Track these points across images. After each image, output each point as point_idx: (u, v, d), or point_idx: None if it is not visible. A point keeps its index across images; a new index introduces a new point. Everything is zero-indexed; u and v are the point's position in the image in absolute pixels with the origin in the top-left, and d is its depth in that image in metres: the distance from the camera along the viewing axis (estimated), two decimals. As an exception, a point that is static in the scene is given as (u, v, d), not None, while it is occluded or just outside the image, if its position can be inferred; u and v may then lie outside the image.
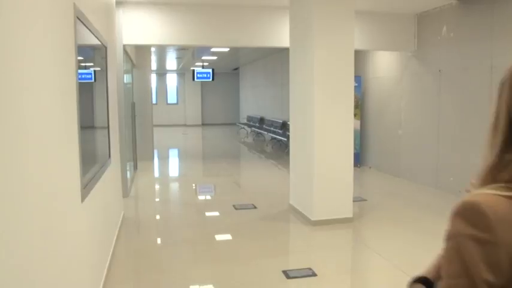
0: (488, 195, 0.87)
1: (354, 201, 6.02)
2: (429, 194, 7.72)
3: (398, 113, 9.06)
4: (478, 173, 0.97)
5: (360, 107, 10.15)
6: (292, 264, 4.51)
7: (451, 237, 0.90)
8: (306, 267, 4.41)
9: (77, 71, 2.90)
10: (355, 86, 7.74)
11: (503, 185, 0.87)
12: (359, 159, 10.16)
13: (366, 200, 7.12)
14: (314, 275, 4.25)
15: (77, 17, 2.93)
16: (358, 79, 9.87)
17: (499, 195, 0.86)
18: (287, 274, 4.25)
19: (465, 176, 7.27)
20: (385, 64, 9.75)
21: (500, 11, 6.51)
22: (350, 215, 5.90)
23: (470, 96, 7.14)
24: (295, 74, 6.45)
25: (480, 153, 0.96)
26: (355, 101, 7.13)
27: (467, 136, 7.20)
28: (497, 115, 0.92)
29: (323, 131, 5.77)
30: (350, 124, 5.94)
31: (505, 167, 0.90)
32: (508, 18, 6.40)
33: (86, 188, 3.11)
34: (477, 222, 0.84)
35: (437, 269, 1.07)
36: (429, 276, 1.12)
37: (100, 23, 4.33)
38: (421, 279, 1.13)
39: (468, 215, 0.86)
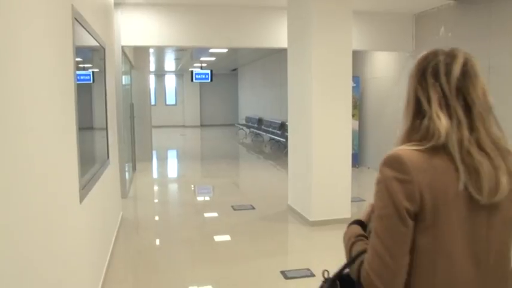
0: (406, 150, 1.23)
1: (352, 201, 6.03)
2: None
3: (397, 113, 9.06)
4: (397, 136, 1.32)
5: (358, 108, 10.16)
6: (291, 265, 4.52)
7: (381, 181, 1.24)
8: (304, 267, 4.41)
9: (75, 72, 2.91)
10: (353, 87, 7.75)
11: (415, 143, 1.25)
12: (357, 160, 10.17)
13: (364, 200, 7.12)
14: (312, 275, 4.26)
15: (75, 18, 2.93)
16: (357, 79, 9.88)
17: (413, 149, 1.23)
18: (285, 274, 4.25)
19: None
20: (383, 64, 9.77)
21: (498, 10, 6.53)
22: (348, 216, 5.90)
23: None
24: (293, 74, 6.46)
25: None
26: (353, 102, 7.15)
27: (465, 136, 7.21)
28: (409, 97, 1.34)
29: (321, 131, 5.78)
30: (348, 125, 5.95)
31: (416, 130, 1.27)
32: (505, 18, 6.42)
33: (85, 189, 3.11)
34: (399, 168, 1.20)
35: (369, 215, 1.44)
36: (363, 219, 1.51)
37: (98, 24, 4.34)
38: (356, 222, 1.53)
39: (393, 163, 1.22)
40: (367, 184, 8.97)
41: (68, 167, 2.68)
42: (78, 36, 3.04)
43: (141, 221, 6.57)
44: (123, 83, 7.94)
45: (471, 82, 1.29)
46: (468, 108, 1.25)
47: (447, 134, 1.21)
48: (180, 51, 14.29)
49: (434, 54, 1.36)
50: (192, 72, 16.62)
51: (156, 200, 8.10)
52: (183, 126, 24.53)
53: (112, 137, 5.31)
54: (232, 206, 6.86)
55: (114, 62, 6.50)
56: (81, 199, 2.97)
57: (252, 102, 20.84)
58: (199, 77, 16.55)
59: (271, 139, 14.52)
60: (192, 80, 16.75)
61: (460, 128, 1.23)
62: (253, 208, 6.75)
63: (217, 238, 5.52)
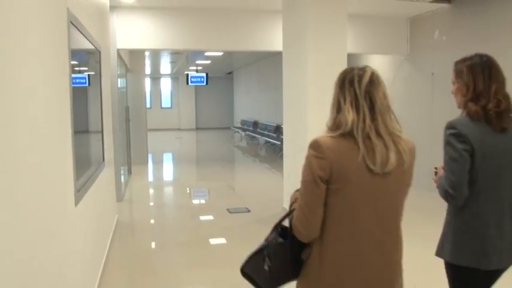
0: (323, 137, 1.74)
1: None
2: (423, 197, 7.74)
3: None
4: (326, 127, 1.82)
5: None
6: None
7: (306, 158, 1.73)
8: (300, 270, 4.42)
9: (70, 76, 2.91)
10: (348, 90, 7.78)
11: (331, 131, 1.76)
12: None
13: (359, 203, 7.15)
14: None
15: (71, 22, 2.94)
16: (352, 83, 9.91)
17: (328, 136, 1.74)
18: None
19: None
20: (378, 67, 9.70)
21: (492, 14, 6.58)
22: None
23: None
24: (288, 77, 6.48)
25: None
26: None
27: (460, 139, 7.25)
28: (333, 99, 1.82)
29: (316, 134, 5.78)
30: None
31: (333, 123, 1.78)
32: (499, 21, 6.47)
33: (80, 191, 3.11)
34: (317, 149, 1.70)
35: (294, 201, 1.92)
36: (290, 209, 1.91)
37: (94, 27, 4.34)
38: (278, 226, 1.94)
39: (314, 146, 1.72)
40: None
41: (64, 170, 2.68)
42: (73, 40, 3.05)
43: (136, 224, 6.56)
44: (119, 86, 7.94)
45: (375, 88, 1.77)
46: (372, 106, 1.73)
47: (352, 123, 1.70)
48: (175, 54, 14.30)
49: (351, 69, 1.83)
50: (187, 75, 16.63)
51: (151, 203, 8.08)
52: (179, 129, 24.52)
53: (107, 140, 5.31)
54: (227, 209, 6.86)
55: (110, 65, 6.50)
56: (77, 202, 2.97)
57: (247, 105, 20.85)
58: (195, 80, 16.58)
59: (267, 142, 14.55)
60: (187, 83, 16.77)
61: (364, 119, 1.70)
62: (249, 211, 6.75)
63: (213, 241, 5.52)
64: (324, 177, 1.69)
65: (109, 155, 5.52)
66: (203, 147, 17.75)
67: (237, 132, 19.11)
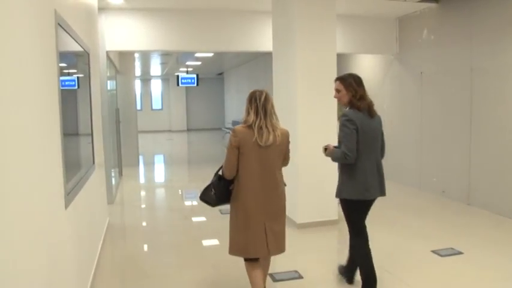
0: (238, 127, 3.31)
1: (338, 203, 6.05)
2: (413, 195, 7.80)
3: (381, 115, 9.12)
4: (242, 120, 3.35)
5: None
6: (279, 267, 4.52)
7: (230, 137, 3.30)
8: (292, 269, 4.43)
9: (59, 78, 2.90)
10: (338, 89, 7.79)
11: (243, 124, 3.30)
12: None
13: (351, 202, 7.17)
14: (300, 277, 4.28)
15: (58, 24, 2.92)
16: (342, 82, 9.93)
17: (241, 126, 3.31)
18: (273, 277, 4.26)
19: (448, 176, 7.38)
20: (367, 67, 9.85)
21: (479, 13, 6.63)
22: (335, 217, 5.94)
23: (451, 97, 7.25)
24: (278, 78, 6.49)
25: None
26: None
27: (449, 137, 7.31)
28: (246, 108, 3.33)
29: (307, 134, 5.81)
30: (334, 127, 5.99)
31: (246, 120, 3.31)
32: (486, 21, 6.53)
33: (70, 194, 3.09)
34: (234, 132, 3.27)
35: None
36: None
37: (82, 29, 4.32)
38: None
39: (234, 130, 3.27)
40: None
41: (53, 173, 2.66)
42: (61, 42, 3.03)
43: (128, 226, 6.53)
44: (108, 88, 7.90)
45: (267, 103, 3.31)
46: (265, 112, 3.28)
47: (253, 121, 3.25)
48: (165, 55, 14.26)
49: (254, 91, 3.38)
50: (178, 76, 16.59)
51: (143, 206, 8.06)
52: (170, 130, 24.45)
53: (97, 142, 5.28)
54: (220, 210, 6.83)
55: (99, 67, 6.47)
56: (67, 205, 2.95)
57: (238, 106, 20.83)
58: (185, 81, 16.53)
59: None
60: (178, 84, 16.72)
61: (259, 119, 3.25)
62: (241, 212, 6.74)
63: (206, 242, 5.51)
64: (236, 146, 3.28)
65: (99, 157, 5.49)
66: (194, 148, 17.72)
67: (228, 133, 19.06)
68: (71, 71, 3.81)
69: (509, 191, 6.16)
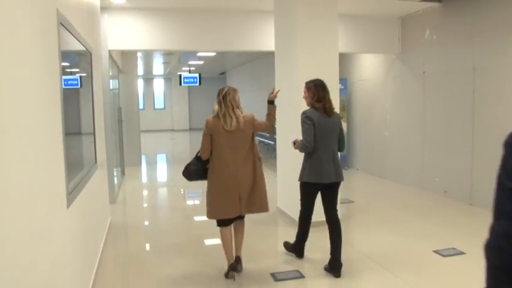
0: (210, 117, 4.12)
1: (341, 203, 6.04)
2: (415, 195, 7.79)
3: (384, 114, 9.15)
4: (213, 112, 4.18)
5: (346, 110, 10.22)
6: (280, 267, 4.52)
7: (204, 126, 4.10)
8: (294, 269, 4.43)
9: (61, 77, 2.90)
10: (341, 89, 7.79)
11: (214, 115, 4.12)
12: (346, 162, 10.23)
13: (353, 202, 7.17)
14: (302, 276, 4.28)
15: (60, 23, 2.93)
16: (344, 82, 9.95)
17: (212, 116, 4.12)
18: (275, 277, 4.26)
19: (450, 176, 7.36)
20: (370, 67, 9.84)
21: (482, 13, 6.62)
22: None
23: (453, 97, 7.24)
24: (280, 77, 6.49)
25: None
26: (341, 104, 7.18)
27: (451, 137, 7.30)
28: (218, 102, 4.13)
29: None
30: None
31: (214, 111, 4.15)
32: (489, 20, 6.51)
33: (72, 193, 3.10)
34: (207, 122, 4.10)
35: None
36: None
37: (84, 28, 4.33)
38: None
39: (206, 121, 4.09)
40: (356, 186, 9.02)
41: (55, 172, 2.66)
42: (63, 41, 3.03)
43: (130, 226, 6.54)
44: (111, 87, 7.91)
45: (227, 95, 4.06)
46: (225, 103, 4.04)
47: (218, 111, 4.06)
48: (168, 55, 14.27)
49: (223, 88, 4.16)
50: (180, 76, 16.59)
51: (145, 205, 8.06)
52: (172, 130, 24.46)
53: (100, 141, 5.29)
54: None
55: (101, 66, 6.48)
56: (68, 204, 2.96)
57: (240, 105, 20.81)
58: (188, 80, 16.53)
59: (260, 142, 14.53)
60: (180, 83, 16.72)
61: (222, 109, 4.04)
62: (243, 211, 6.75)
63: (208, 242, 5.52)
64: (209, 133, 4.07)
65: (101, 156, 5.50)
66: (197, 147, 17.53)
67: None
68: (73, 70, 3.82)
69: None
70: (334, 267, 4.29)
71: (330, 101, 4.38)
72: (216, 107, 4.08)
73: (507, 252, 1.46)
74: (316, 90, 4.37)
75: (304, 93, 4.46)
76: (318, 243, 5.39)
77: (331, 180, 4.32)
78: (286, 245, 4.95)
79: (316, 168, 4.30)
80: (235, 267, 4.26)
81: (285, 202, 6.42)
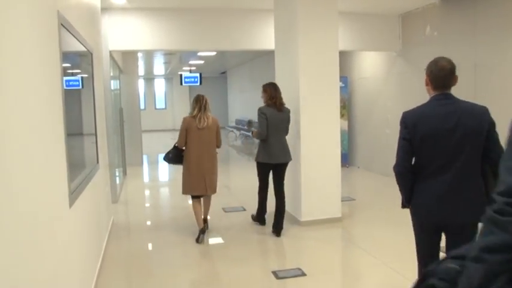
0: (187, 117, 5.40)
1: (342, 201, 6.07)
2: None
3: (385, 112, 9.15)
4: (190, 112, 5.46)
5: (347, 108, 10.23)
6: (282, 265, 4.54)
7: (182, 123, 5.37)
8: (296, 267, 4.44)
9: (62, 78, 2.92)
10: (342, 87, 7.79)
11: (190, 115, 5.36)
12: (347, 160, 10.23)
13: (354, 200, 7.18)
14: (303, 274, 4.29)
15: (61, 24, 2.94)
16: (345, 79, 9.95)
17: (189, 116, 5.36)
18: (276, 274, 4.28)
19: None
20: (371, 64, 9.84)
21: (482, 9, 6.62)
22: (339, 215, 5.95)
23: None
24: (280, 76, 6.50)
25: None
26: (342, 102, 7.19)
27: (453, 134, 7.29)
28: (193, 105, 5.39)
29: (310, 132, 5.82)
30: (336, 124, 6.00)
31: (191, 112, 5.41)
32: (489, 17, 6.51)
33: (74, 193, 3.11)
34: (184, 120, 5.37)
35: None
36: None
37: (85, 29, 4.34)
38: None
39: (184, 119, 5.37)
40: (357, 183, 9.03)
41: (57, 172, 2.68)
42: (64, 42, 3.05)
43: (132, 225, 6.57)
44: (112, 87, 7.93)
45: (206, 103, 5.33)
46: (204, 108, 5.29)
47: (196, 113, 5.25)
48: (168, 55, 14.29)
49: (198, 96, 5.42)
50: (181, 75, 16.60)
51: (147, 204, 8.09)
52: (173, 130, 24.45)
53: (101, 141, 5.31)
54: (223, 208, 6.88)
55: (102, 67, 6.50)
56: (71, 204, 2.98)
57: (241, 104, 20.84)
58: (189, 80, 16.53)
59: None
60: (181, 83, 16.72)
61: (200, 112, 5.24)
62: (244, 209, 6.77)
63: (210, 241, 5.53)
64: (185, 128, 5.24)
65: (103, 156, 5.52)
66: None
67: (232, 131, 19.10)
68: (75, 71, 3.84)
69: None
70: (276, 228, 5.47)
71: (280, 99, 5.42)
72: (195, 110, 5.28)
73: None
74: (271, 91, 5.45)
75: (262, 93, 5.57)
76: (318, 241, 5.41)
77: (280, 161, 5.45)
78: (252, 217, 6.06)
79: (267, 151, 5.42)
80: (203, 230, 5.42)
81: (286, 200, 6.42)
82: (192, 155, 5.30)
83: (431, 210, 2.76)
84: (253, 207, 6.91)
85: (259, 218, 5.90)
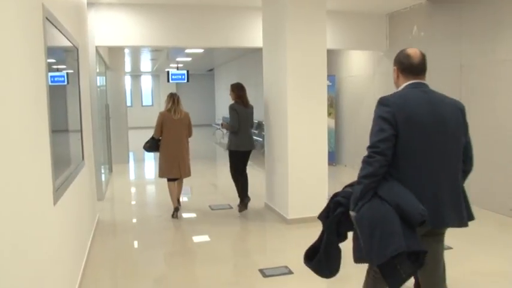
0: (164, 110, 6.23)
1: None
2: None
3: (372, 111, 9.15)
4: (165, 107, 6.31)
5: (334, 106, 10.25)
6: (269, 263, 4.53)
7: (158, 116, 6.21)
8: (282, 265, 4.44)
9: (47, 73, 2.87)
10: (329, 85, 7.80)
11: (165, 110, 6.24)
12: (334, 158, 10.26)
13: (341, 198, 7.19)
14: (290, 272, 4.29)
15: (46, 18, 2.89)
16: (332, 78, 9.97)
17: (164, 110, 6.23)
18: (263, 273, 4.27)
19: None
20: (358, 63, 9.88)
21: (468, 10, 6.67)
22: (326, 213, 5.95)
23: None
24: (268, 74, 6.49)
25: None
26: (329, 100, 7.20)
27: (439, 133, 7.34)
28: (168, 101, 6.33)
29: (297, 130, 5.82)
30: (324, 123, 6.01)
31: (165, 107, 6.27)
32: (475, 18, 6.57)
33: (58, 190, 3.07)
34: (159, 114, 6.23)
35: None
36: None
37: (71, 24, 4.28)
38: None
39: (159, 113, 6.24)
40: (344, 181, 9.04)
41: (41, 169, 2.64)
42: (49, 37, 3.00)
43: (118, 223, 6.51)
44: (98, 84, 7.84)
45: (178, 99, 6.22)
46: (177, 103, 6.18)
47: (170, 107, 6.15)
48: (155, 51, 14.18)
49: (171, 94, 6.42)
50: (168, 72, 16.47)
51: (133, 202, 8.02)
52: (160, 127, 24.32)
53: (87, 138, 5.25)
54: (209, 206, 6.86)
55: (88, 62, 6.42)
56: (55, 201, 2.93)
57: (228, 102, 20.67)
58: (176, 77, 16.40)
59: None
60: (168, 80, 16.59)
61: (173, 106, 6.15)
62: (231, 207, 6.76)
63: (196, 238, 5.51)
64: (161, 120, 6.10)
65: (89, 153, 5.46)
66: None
67: (219, 129, 19.04)
68: (60, 66, 3.78)
69: (498, 187, 6.22)
70: (243, 203, 6.38)
71: (246, 97, 6.39)
72: (169, 105, 6.16)
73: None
74: (238, 90, 6.40)
75: (230, 92, 6.51)
76: (305, 239, 5.41)
77: (247, 148, 6.38)
78: (239, 207, 6.49)
79: (237, 141, 6.28)
80: (177, 209, 6.37)
81: (272, 198, 6.43)
82: (167, 143, 6.14)
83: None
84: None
85: (242, 201, 6.48)
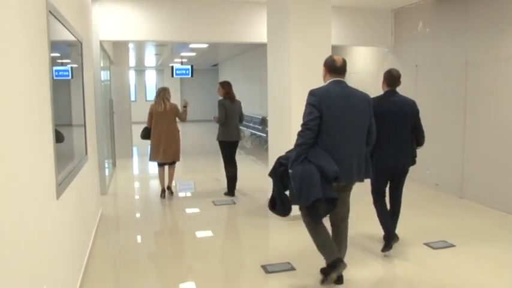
0: (153, 103, 7.05)
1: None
2: (406, 188, 7.80)
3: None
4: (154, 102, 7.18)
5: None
6: (271, 259, 4.53)
7: (149, 110, 7.07)
8: (285, 261, 4.44)
9: (51, 68, 2.86)
10: (333, 82, 7.76)
11: (154, 102, 7.05)
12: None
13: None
14: (293, 269, 4.29)
15: (50, 12, 2.88)
16: (337, 75, 9.91)
17: (154, 103, 7.03)
18: (266, 269, 4.27)
19: (441, 170, 7.40)
20: (363, 59, 9.84)
21: (474, 7, 6.63)
22: (329, 209, 5.94)
23: (445, 90, 7.26)
24: (272, 69, 6.47)
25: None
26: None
27: (443, 130, 7.32)
28: (157, 94, 7.14)
29: (299, 125, 5.79)
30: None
31: (154, 100, 7.09)
32: (481, 14, 6.52)
33: (62, 185, 3.07)
34: (151, 107, 7.06)
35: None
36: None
37: (74, 18, 4.28)
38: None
39: (150, 106, 7.11)
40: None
41: (44, 163, 2.64)
42: (53, 31, 2.99)
43: (121, 217, 6.52)
44: (102, 78, 7.85)
45: (165, 92, 7.07)
46: (161, 97, 6.94)
47: (157, 101, 6.95)
48: (160, 46, 14.17)
49: (160, 87, 7.19)
50: (172, 67, 16.47)
51: (136, 196, 8.04)
52: (164, 122, 24.34)
53: (90, 133, 5.25)
54: (213, 201, 6.86)
55: (92, 57, 6.42)
56: (58, 195, 2.93)
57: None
58: (180, 72, 16.40)
59: (252, 134, 14.54)
60: (172, 75, 16.59)
61: (159, 100, 6.94)
62: (234, 203, 6.76)
63: (199, 234, 5.51)
64: (151, 112, 7.00)
65: (92, 148, 5.46)
66: (188, 139, 17.64)
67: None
68: (64, 61, 3.78)
69: (501, 184, 6.19)
70: (230, 190, 7.21)
71: (233, 93, 7.13)
72: (157, 98, 6.91)
73: None
74: (226, 87, 7.11)
75: (219, 89, 7.19)
76: (308, 235, 5.40)
77: (235, 139, 7.14)
78: (225, 193, 7.26)
79: (226, 132, 7.01)
80: (165, 190, 7.21)
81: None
82: (156, 131, 6.92)
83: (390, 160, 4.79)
84: (242, 200, 6.90)
85: (230, 190, 7.22)
